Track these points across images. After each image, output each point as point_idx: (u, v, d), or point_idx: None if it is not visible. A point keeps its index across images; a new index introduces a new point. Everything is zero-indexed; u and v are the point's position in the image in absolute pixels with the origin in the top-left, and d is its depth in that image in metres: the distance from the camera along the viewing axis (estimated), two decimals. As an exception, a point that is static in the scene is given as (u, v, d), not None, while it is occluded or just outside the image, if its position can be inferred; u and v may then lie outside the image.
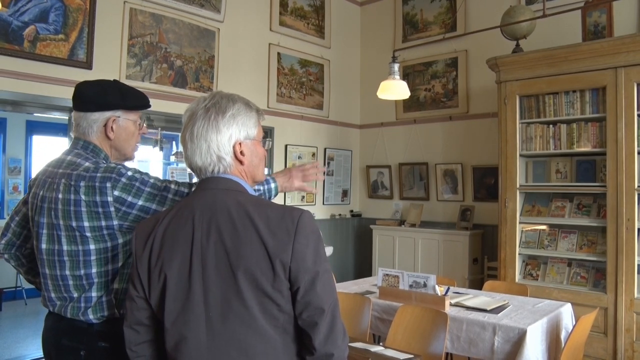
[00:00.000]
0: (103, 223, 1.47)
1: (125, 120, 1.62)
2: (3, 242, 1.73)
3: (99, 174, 1.48)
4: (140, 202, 1.48)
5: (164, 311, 1.22)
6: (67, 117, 4.02)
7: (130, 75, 4.09)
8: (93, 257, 1.50)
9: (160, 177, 5.17)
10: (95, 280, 1.51)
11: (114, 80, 1.67)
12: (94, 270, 1.50)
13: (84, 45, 3.81)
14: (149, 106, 1.68)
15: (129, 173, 1.50)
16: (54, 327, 1.59)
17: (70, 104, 3.90)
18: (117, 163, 1.52)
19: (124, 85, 1.66)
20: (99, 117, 1.58)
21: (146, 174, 1.53)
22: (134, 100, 1.63)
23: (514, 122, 4.12)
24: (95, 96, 1.57)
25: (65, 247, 1.50)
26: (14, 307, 6.10)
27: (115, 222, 1.48)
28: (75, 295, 1.52)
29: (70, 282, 1.52)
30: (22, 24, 3.50)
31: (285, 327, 1.19)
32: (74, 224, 1.48)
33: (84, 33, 3.80)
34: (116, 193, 1.46)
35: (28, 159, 7.04)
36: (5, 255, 1.75)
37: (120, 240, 1.51)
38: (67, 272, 1.52)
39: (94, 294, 1.51)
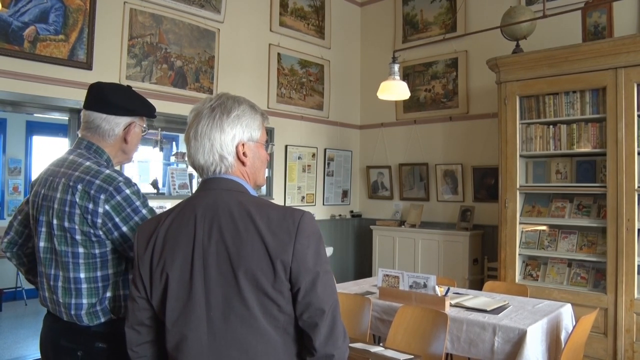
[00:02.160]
0: (91, 230, 1.48)
1: (139, 126, 1.67)
2: (6, 240, 1.74)
3: (97, 181, 1.49)
4: (124, 229, 1.49)
5: (165, 311, 1.22)
6: (67, 118, 4.02)
7: (131, 75, 4.09)
8: (81, 261, 1.50)
9: (161, 177, 5.15)
10: (84, 286, 1.50)
11: (128, 86, 1.70)
12: (82, 275, 1.50)
13: (84, 45, 3.81)
14: (156, 116, 1.75)
15: (127, 192, 1.50)
16: (52, 328, 1.59)
17: (70, 105, 3.88)
18: (119, 173, 1.53)
19: (137, 92, 1.71)
20: (122, 121, 1.62)
21: (143, 200, 1.53)
22: (149, 109, 1.69)
23: (514, 122, 4.12)
24: (123, 101, 1.62)
25: (57, 247, 1.51)
26: (14, 308, 6.09)
27: (101, 233, 1.49)
28: (64, 300, 1.52)
29: (60, 284, 1.52)
30: (22, 25, 3.50)
31: (285, 327, 1.19)
32: (66, 224, 1.49)
33: (84, 33, 3.80)
34: (107, 207, 1.47)
35: (28, 160, 7.05)
36: (7, 254, 1.76)
37: (109, 248, 1.51)
38: (60, 273, 1.52)
39: (84, 300, 1.50)
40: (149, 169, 5.43)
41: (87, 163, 1.54)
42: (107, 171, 1.52)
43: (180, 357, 1.21)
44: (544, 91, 4.01)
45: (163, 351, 1.28)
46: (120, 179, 1.51)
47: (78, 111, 3.86)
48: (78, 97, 3.72)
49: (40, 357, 1.65)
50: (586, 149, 3.87)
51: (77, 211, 1.47)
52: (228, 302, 1.17)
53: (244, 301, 1.16)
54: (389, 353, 2.36)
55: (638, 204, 3.60)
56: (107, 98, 1.59)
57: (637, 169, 3.59)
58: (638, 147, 3.59)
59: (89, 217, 1.47)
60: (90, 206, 1.47)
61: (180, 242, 1.22)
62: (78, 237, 1.48)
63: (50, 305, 1.57)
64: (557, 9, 4.03)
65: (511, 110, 4.13)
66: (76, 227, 1.48)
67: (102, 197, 1.47)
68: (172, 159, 4.89)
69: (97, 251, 1.50)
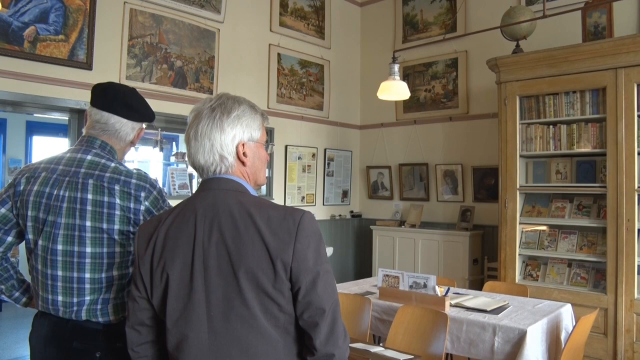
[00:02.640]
0: (131, 228, 1.52)
1: (142, 130, 1.73)
2: None
3: (133, 180, 1.54)
4: None
5: (165, 311, 1.22)
6: (67, 118, 4.02)
7: (131, 75, 4.09)
8: (117, 260, 1.52)
9: (161, 178, 5.15)
10: (116, 282, 1.53)
11: (133, 89, 1.71)
12: (115, 272, 1.52)
13: (84, 45, 3.81)
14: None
15: (158, 186, 1.60)
16: (59, 331, 1.54)
17: (71, 105, 3.87)
18: (145, 172, 1.60)
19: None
20: (137, 127, 1.68)
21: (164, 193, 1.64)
22: (153, 113, 1.74)
23: (514, 122, 4.12)
24: (141, 107, 1.67)
25: (89, 250, 1.49)
26: (14, 308, 6.09)
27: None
28: (90, 297, 1.51)
29: (87, 286, 1.51)
30: (22, 25, 3.50)
31: (286, 327, 1.19)
32: (104, 226, 1.49)
33: (84, 33, 3.80)
34: (147, 204, 1.55)
35: (28, 160, 7.04)
36: None
37: None
38: (87, 275, 1.50)
39: (112, 295, 1.53)
40: (149, 169, 5.43)
41: (113, 164, 1.57)
42: (135, 170, 1.58)
43: (181, 357, 1.21)
44: (544, 91, 4.01)
45: (164, 351, 1.28)
46: (149, 175, 1.59)
47: (78, 111, 3.86)
48: (78, 97, 3.72)
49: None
50: (586, 149, 3.87)
51: (118, 212, 1.50)
52: (228, 302, 1.17)
53: (245, 301, 1.16)
54: (389, 353, 2.36)
55: (638, 204, 3.59)
56: (130, 104, 1.63)
57: (637, 169, 3.58)
58: (638, 147, 3.59)
59: (132, 216, 1.52)
60: (132, 205, 1.52)
61: (180, 242, 1.22)
62: (117, 236, 1.51)
63: (62, 309, 1.52)
64: (557, 9, 4.03)
65: (511, 111, 4.13)
66: (115, 227, 1.50)
67: (143, 194, 1.54)
68: (172, 159, 4.89)
69: (132, 249, 1.54)
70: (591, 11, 4.03)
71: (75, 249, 1.50)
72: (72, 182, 1.52)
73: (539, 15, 3.68)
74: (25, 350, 4.61)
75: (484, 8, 5.14)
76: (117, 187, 1.51)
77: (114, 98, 1.61)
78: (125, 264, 1.54)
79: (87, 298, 1.51)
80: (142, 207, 1.53)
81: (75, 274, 1.51)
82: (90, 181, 1.51)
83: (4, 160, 6.82)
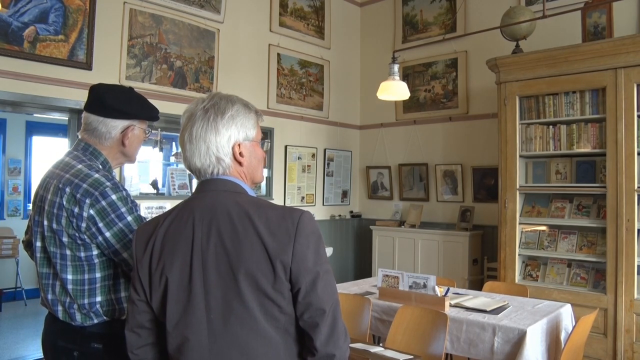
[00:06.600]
0: (76, 234, 1.48)
1: (139, 129, 1.66)
2: (24, 239, 1.79)
3: (84, 185, 1.48)
4: (107, 234, 1.48)
5: (165, 314, 1.21)
6: (67, 118, 4.02)
7: (130, 76, 4.09)
8: (69, 263, 1.50)
9: (160, 178, 5.14)
10: (70, 287, 1.50)
11: (130, 88, 1.68)
12: (69, 276, 1.50)
13: (83, 46, 3.81)
14: (159, 118, 1.72)
15: (113, 197, 1.48)
16: (50, 328, 1.60)
17: (70, 105, 3.88)
18: (107, 177, 1.52)
19: (140, 94, 1.69)
20: (119, 124, 1.61)
21: (131, 206, 1.51)
22: (150, 112, 1.67)
23: (514, 122, 4.12)
24: (120, 104, 1.59)
25: (47, 247, 1.53)
26: (13, 308, 6.09)
27: (85, 237, 1.48)
28: (60, 297, 1.53)
29: (57, 282, 1.53)
30: (22, 25, 3.50)
31: (286, 328, 1.19)
32: (54, 226, 1.50)
33: (83, 34, 3.80)
34: (91, 212, 1.46)
35: (28, 160, 7.04)
36: (28, 253, 1.80)
37: (95, 252, 1.50)
38: (54, 272, 1.54)
39: (74, 303, 1.51)
40: (148, 169, 5.42)
41: (79, 166, 1.54)
42: (96, 175, 1.51)
43: (181, 360, 1.20)
44: (543, 91, 4.01)
45: (164, 353, 1.27)
46: (108, 183, 1.50)
47: (78, 111, 3.86)
48: (78, 97, 3.72)
49: (42, 356, 1.67)
50: (586, 149, 3.87)
51: (64, 214, 1.48)
52: (228, 304, 1.16)
53: (244, 303, 1.15)
54: (389, 353, 2.36)
55: (638, 204, 3.59)
56: (103, 101, 1.57)
57: (637, 169, 3.59)
58: (638, 147, 3.59)
59: (74, 220, 1.47)
60: (76, 210, 1.46)
61: (178, 245, 1.21)
62: (65, 239, 1.48)
63: (48, 305, 1.58)
64: (557, 9, 4.03)
65: (511, 111, 4.13)
66: (63, 229, 1.48)
67: (88, 201, 1.46)
68: (172, 159, 4.89)
69: (82, 254, 1.49)
70: (591, 11, 4.03)
71: (44, 245, 1.55)
72: (48, 183, 1.56)
73: (538, 16, 3.68)
74: (25, 351, 4.61)
75: (484, 8, 5.14)
76: (68, 190, 1.48)
77: (93, 98, 1.60)
78: (79, 269, 1.50)
79: (59, 299, 1.53)
80: (85, 214, 1.45)
81: (50, 270, 1.55)
82: (54, 182, 1.53)
83: (4, 160, 6.82)
